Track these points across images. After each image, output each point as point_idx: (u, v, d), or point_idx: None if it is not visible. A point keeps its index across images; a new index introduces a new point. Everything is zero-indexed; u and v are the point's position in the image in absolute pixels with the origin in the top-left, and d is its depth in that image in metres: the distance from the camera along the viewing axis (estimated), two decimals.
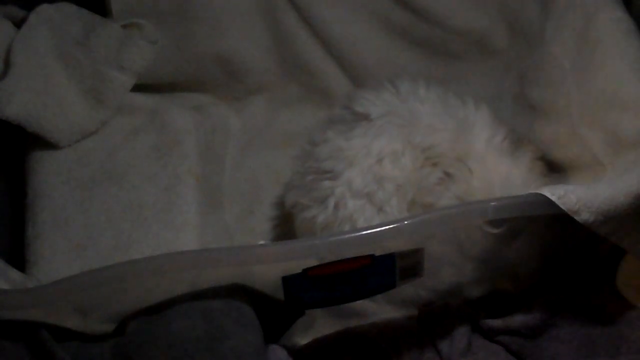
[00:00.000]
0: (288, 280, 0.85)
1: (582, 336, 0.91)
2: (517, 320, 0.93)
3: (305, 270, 0.84)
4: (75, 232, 1.07)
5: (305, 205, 1.03)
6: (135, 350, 0.84)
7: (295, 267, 0.84)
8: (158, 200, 1.10)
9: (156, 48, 1.20)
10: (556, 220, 0.84)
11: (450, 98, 1.05)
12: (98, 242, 1.06)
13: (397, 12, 1.19)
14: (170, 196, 1.11)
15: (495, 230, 0.88)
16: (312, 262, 0.84)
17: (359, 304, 0.93)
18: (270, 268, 0.85)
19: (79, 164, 1.13)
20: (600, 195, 0.82)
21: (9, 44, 1.10)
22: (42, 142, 1.12)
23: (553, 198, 0.82)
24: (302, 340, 0.96)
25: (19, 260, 1.06)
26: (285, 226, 1.14)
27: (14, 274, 0.96)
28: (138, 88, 1.20)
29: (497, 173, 1.00)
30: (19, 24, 1.13)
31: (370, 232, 0.82)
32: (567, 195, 0.82)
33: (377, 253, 0.85)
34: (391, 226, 0.83)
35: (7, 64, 1.09)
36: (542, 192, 0.83)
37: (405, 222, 0.83)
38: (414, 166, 1.00)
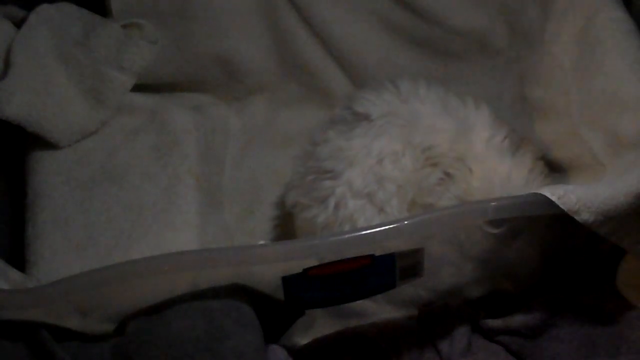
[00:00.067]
0: (288, 280, 0.85)
1: (582, 336, 0.91)
2: (517, 320, 0.93)
3: (305, 270, 0.84)
4: (75, 232, 1.07)
5: (306, 205, 1.03)
6: (135, 350, 0.84)
7: (295, 267, 0.84)
8: (158, 200, 1.10)
9: (156, 48, 1.20)
10: (556, 220, 0.84)
11: (450, 98, 1.05)
12: (98, 242, 1.06)
13: (397, 12, 1.19)
14: (170, 196, 1.11)
15: (495, 230, 0.88)
16: (312, 262, 0.84)
17: (359, 304, 0.93)
18: (270, 268, 0.85)
19: (79, 164, 1.13)
20: (600, 195, 0.82)
21: (9, 44, 1.10)
22: (42, 142, 1.12)
23: (553, 198, 0.82)
24: (302, 340, 0.96)
25: (19, 260, 1.06)
26: (285, 226, 1.14)
27: (14, 274, 0.96)
28: (138, 88, 1.20)
29: (497, 173, 1.00)
30: (19, 24, 1.13)
31: (370, 232, 0.82)
32: (567, 195, 0.82)
33: (377, 253, 0.85)
34: (391, 226, 0.83)
35: (7, 64, 1.09)
36: (542, 192, 0.83)
37: (405, 222, 0.83)
38: (414, 166, 1.00)
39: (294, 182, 1.07)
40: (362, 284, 0.88)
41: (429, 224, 0.84)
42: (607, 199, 0.82)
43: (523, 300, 0.95)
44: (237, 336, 0.84)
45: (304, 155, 1.07)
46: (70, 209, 1.09)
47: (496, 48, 1.21)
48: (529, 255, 0.94)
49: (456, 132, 1.01)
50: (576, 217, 0.82)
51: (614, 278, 0.95)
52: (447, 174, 1.00)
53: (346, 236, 0.83)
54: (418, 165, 1.00)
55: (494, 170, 1.00)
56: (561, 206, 0.82)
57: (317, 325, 0.96)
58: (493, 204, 0.84)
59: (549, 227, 0.90)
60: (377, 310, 0.97)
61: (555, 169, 1.11)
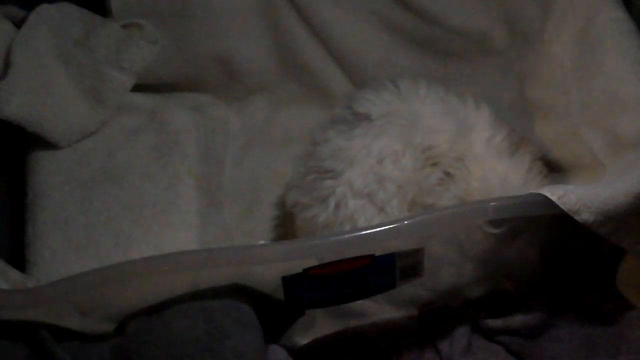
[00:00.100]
0: (288, 280, 0.85)
1: (582, 336, 0.91)
2: (517, 320, 0.93)
3: (305, 270, 0.84)
4: (75, 232, 1.07)
5: (306, 204, 1.03)
6: (135, 350, 0.84)
7: (295, 267, 0.84)
8: (158, 200, 1.10)
9: (156, 48, 1.20)
10: (556, 220, 0.84)
11: (451, 98, 1.05)
12: (98, 242, 1.06)
13: (397, 12, 1.19)
14: (170, 196, 1.10)
15: (495, 230, 0.88)
16: (312, 262, 0.84)
17: (359, 304, 0.93)
18: (270, 268, 0.85)
19: (79, 164, 1.13)
20: (600, 195, 0.82)
21: (9, 44, 1.10)
22: (42, 142, 1.12)
23: (553, 198, 0.82)
24: (302, 340, 0.96)
25: (19, 260, 1.06)
26: (285, 226, 1.14)
27: (14, 274, 0.96)
28: (138, 88, 1.20)
29: (495, 173, 1.00)
30: (19, 24, 1.13)
31: (370, 232, 0.82)
32: (566, 195, 0.82)
33: (377, 253, 0.85)
34: (391, 226, 0.83)
35: (7, 64, 1.09)
36: (542, 192, 0.83)
37: (405, 222, 0.83)
38: (414, 167, 1.00)
39: (295, 181, 1.07)
40: (362, 284, 0.88)
41: (429, 224, 0.85)
42: (607, 199, 0.82)
43: (523, 300, 0.95)
44: (237, 336, 0.84)
45: (305, 155, 1.07)
46: (70, 209, 1.09)
47: (496, 48, 1.21)
48: (529, 255, 0.94)
49: (456, 133, 1.01)
50: (576, 217, 0.82)
51: (614, 278, 0.95)
52: (447, 174, 1.00)
53: (346, 236, 0.83)
54: (418, 165, 1.00)
55: (492, 171, 1.00)
56: (561, 206, 0.82)
57: (317, 325, 0.96)
58: (493, 204, 0.84)
59: (549, 227, 0.90)
60: (377, 310, 0.97)
61: (555, 169, 1.11)
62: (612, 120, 0.97)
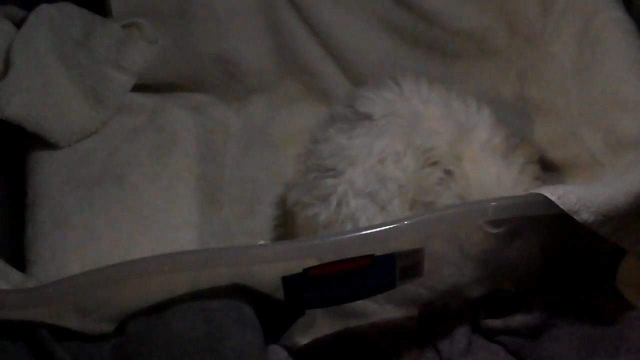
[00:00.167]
0: (288, 280, 0.85)
1: (582, 336, 0.91)
2: (517, 320, 0.93)
3: (305, 270, 0.84)
4: (75, 232, 1.07)
5: (307, 203, 1.03)
6: (135, 350, 0.84)
7: (295, 267, 0.84)
8: (158, 200, 1.10)
9: (156, 48, 1.20)
10: (556, 220, 0.84)
11: (452, 99, 1.05)
12: (98, 242, 1.06)
13: (397, 12, 1.19)
14: (170, 196, 1.10)
15: (495, 230, 0.88)
16: (312, 262, 0.84)
17: (359, 304, 0.93)
18: (270, 268, 0.85)
19: (79, 164, 1.13)
20: (600, 195, 0.82)
21: (9, 44, 1.10)
22: (42, 142, 1.12)
23: (553, 198, 0.82)
24: (302, 340, 0.96)
25: (19, 260, 1.06)
26: (286, 226, 1.14)
27: (14, 274, 0.96)
28: (138, 88, 1.20)
29: (488, 174, 1.00)
30: (19, 24, 1.13)
31: (370, 232, 0.82)
32: (566, 195, 0.82)
33: (377, 253, 0.85)
34: (391, 226, 0.83)
35: (7, 64, 1.09)
36: (542, 192, 0.83)
37: (406, 222, 0.83)
38: (415, 167, 1.00)
39: (295, 180, 1.07)
40: (362, 284, 0.88)
41: (429, 224, 0.85)
42: (607, 199, 0.82)
43: (523, 300, 0.95)
44: (237, 336, 0.84)
45: (305, 154, 1.07)
46: (70, 209, 1.09)
47: (496, 48, 1.21)
48: (529, 255, 0.94)
49: (457, 135, 1.01)
50: (576, 217, 0.82)
51: (614, 278, 0.95)
52: (448, 172, 1.00)
53: (346, 236, 0.83)
54: (419, 166, 1.00)
55: (486, 171, 1.00)
56: (561, 206, 0.82)
57: (317, 325, 0.96)
58: (493, 204, 0.84)
59: (549, 227, 0.90)
60: (377, 310, 0.96)
61: (553, 169, 1.11)
62: (612, 120, 0.97)
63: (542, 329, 0.92)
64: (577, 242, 0.93)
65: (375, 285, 0.89)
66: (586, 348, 0.91)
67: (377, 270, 0.87)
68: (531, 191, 0.85)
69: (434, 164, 1.00)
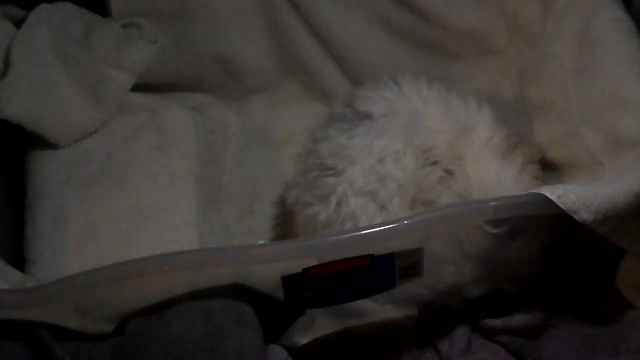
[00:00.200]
0: (288, 280, 0.85)
1: (582, 336, 0.91)
2: (517, 320, 0.93)
3: (305, 270, 0.84)
4: (75, 232, 1.07)
5: (308, 202, 1.03)
6: (135, 350, 0.84)
7: (295, 267, 0.84)
8: (158, 200, 1.10)
9: (156, 48, 1.20)
10: (556, 220, 0.84)
11: (453, 98, 1.05)
12: (98, 242, 1.06)
13: (397, 12, 1.19)
14: (170, 196, 1.11)
15: (495, 230, 0.88)
16: (312, 262, 0.84)
17: (359, 304, 0.93)
18: (270, 268, 0.85)
19: (79, 164, 1.13)
20: (600, 194, 0.82)
21: (9, 44, 1.10)
22: (42, 142, 1.12)
23: (552, 197, 0.82)
24: (302, 340, 0.96)
25: (19, 260, 1.06)
26: (286, 225, 1.14)
27: (14, 274, 0.96)
28: (138, 88, 1.20)
29: (489, 173, 1.00)
30: (19, 24, 1.13)
31: (370, 232, 0.82)
32: (566, 195, 0.82)
33: (377, 253, 0.85)
34: (391, 226, 0.83)
35: (7, 64, 1.09)
36: (541, 192, 0.83)
37: (405, 222, 0.83)
38: (415, 166, 1.00)
39: (295, 180, 1.07)
40: (362, 284, 0.88)
41: (429, 224, 0.84)
42: (606, 199, 0.82)
43: (523, 300, 0.95)
44: (237, 336, 0.84)
45: (305, 153, 1.07)
46: (70, 209, 1.09)
47: (496, 48, 1.21)
48: (529, 255, 0.94)
49: (457, 134, 1.01)
50: (575, 217, 0.82)
51: (614, 278, 0.95)
52: (448, 171, 1.00)
53: (346, 236, 0.83)
54: (419, 165, 1.00)
55: (487, 170, 1.00)
56: (561, 206, 0.82)
57: (317, 325, 0.96)
58: (493, 204, 0.84)
59: (549, 227, 0.90)
60: (377, 310, 0.96)
61: (553, 169, 1.11)
62: (612, 120, 0.97)
63: (542, 329, 0.92)
64: (577, 242, 0.93)
65: (375, 285, 0.89)
66: (586, 348, 0.91)
67: (377, 270, 0.87)
68: (531, 191, 0.85)
69: (435, 164, 1.00)
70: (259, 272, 0.87)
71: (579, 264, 0.96)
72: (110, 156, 1.14)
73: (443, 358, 0.92)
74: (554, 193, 0.82)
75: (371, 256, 0.85)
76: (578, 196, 0.82)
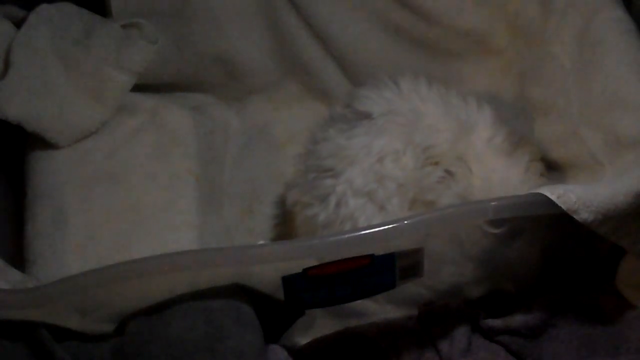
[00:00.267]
0: (288, 280, 0.85)
1: (582, 336, 0.91)
2: (517, 320, 0.93)
3: (305, 270, 0.84)
4: (75, 232, 1.07)
5: (307, 203, 1.03)
6: (135, 350, 0.84)
7: (295, 267, 0.84)
8: (158, 200, 1.10)
9: (156, 48, 1.20)
10: (556, 220, 0.84)
11: (452, 97, 1.05)
12: (98, 242, 1.06)
13: (397, 11, 1.19)
14: (170, 196, 1.11)
15: (495, 230, 0.88)
16: (312, 262, 0.84)
17: (359, 304, 0.93)
18: (270, 268, 0.85)
19: (79, 164, 1.13)
20: (600, 194, 0.82)
21: (9, 44, 1.10)
22: (42, 142, 1.12)
23: (552, 197, 0.82)
24: (302, 340, 0.96)
25: (19, 260, 1.06)
26: (285, 226, 1.14)
27: (14, 274, 0.96)
28: (138, 88, 1.20)
29: (495, 173, 1.00)
30: (19, 24, 1.13)
31: (370, 232, 0.82)
32: (566, 195, 0.82)
33: (377, 253, 0.85)
34: (391, 226, 0.83)
35: (7, 64, 1.09)
36: (541, 192, 0.83)
37: (405, 222, 0.83)
38: (415, 165, 1.00)
39: (295, 180, 1.07)
40: (362, 284, 0.88)
41: (429, 223, 0.84)
42: (606, 199, 0.82)
43: (523, 300, 0.95)
44: (237, 336, 0.84)
45: (305, 154, 1.07)
46: (70, 209, 1.09)
47: (496, 48, 1.21)
48: (529, 255, 0.94)
49: (457, 132, 1.01)
50: (575, 217, 0.82)
51: (614, 278, 0.95)
52: (448, 172, 1.00)
53: (346, 236, 0.83)
54: (419, 164, 1.00)
55: (492, 170, 1.00)
56: (561, 205, 0.82)
57: (317, 325, 0.96)
58: (493, 203, 0.84)
59: (549, 227, 0.90)
60: (377, 310, 0.96)
61: (554, 169, 1.11)
62: (612, 120, 0.97)
63: (542, 329, 0.92)
64: (577, 242, 0.93)
65: (375, 285, 0.89)
66: (586, 348, 0.91)
67: (377, 270, 0.87)
68: (531, 191, 0.85)
69: (435, 164, 1.00)
70: (259, 272, 0.87)
71: (579, 264, 0.96)
72: (110, 156, 1.14)
73: (443, 358, 0.92)
74: (554, 193, 0.82)
75: (371, 256, 0.85)
76: (578, 196, 0.82)
